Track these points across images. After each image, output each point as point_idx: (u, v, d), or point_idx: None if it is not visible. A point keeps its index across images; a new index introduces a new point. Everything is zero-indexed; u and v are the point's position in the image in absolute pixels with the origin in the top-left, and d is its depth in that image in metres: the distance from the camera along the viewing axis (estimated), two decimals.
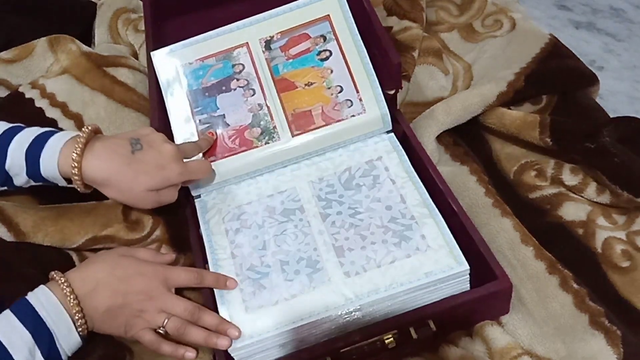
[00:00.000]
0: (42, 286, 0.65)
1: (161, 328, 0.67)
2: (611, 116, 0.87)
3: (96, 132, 0.73)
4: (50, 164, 0.70)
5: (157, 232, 0.79)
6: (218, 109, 0.83)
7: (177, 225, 0.80)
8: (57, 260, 0.76)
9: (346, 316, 0.67)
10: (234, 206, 0.79)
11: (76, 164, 0.69)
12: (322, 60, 0.84)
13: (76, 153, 0.69)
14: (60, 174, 0.71)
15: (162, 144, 0.73)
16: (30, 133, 0.72)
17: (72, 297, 0.64)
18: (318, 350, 0.67)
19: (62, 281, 0.65)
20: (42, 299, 0.63)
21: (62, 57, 0.95)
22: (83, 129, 0.71)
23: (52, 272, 0.67)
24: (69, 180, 0.72)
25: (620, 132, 0.80)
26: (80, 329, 0.65)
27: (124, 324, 0.67)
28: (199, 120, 0.83)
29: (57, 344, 0.63)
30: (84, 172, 0.70)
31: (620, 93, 1.46)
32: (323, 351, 0.66)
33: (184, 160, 0.75)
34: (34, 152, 0.71)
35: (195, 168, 0.76)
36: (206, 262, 0.75)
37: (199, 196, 0.82)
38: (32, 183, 0.74)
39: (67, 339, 0.64)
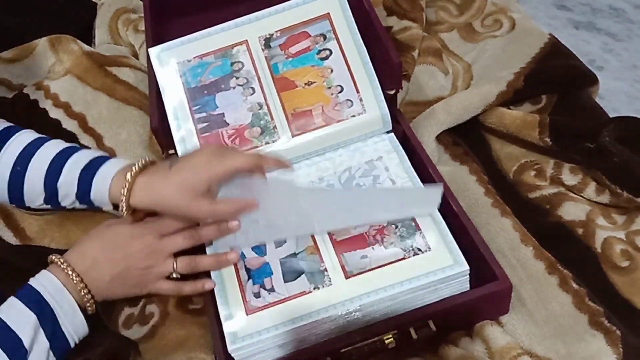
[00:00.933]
0: (43, 271, 0.67)
1: (173, 274, 0.70)
2: (611, 116, 0.87)
3: (152, 163, 0.73)
4: (102, 188, 0.72)
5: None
6: (217, 107, 0.83)
7: None
8: None
9: (346, 316, 0.67)
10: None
11: (124, 190, 0.69)
12: (322, 59, 0.84)
13: (128, 179, 0.69)
14: (110, 199, 0.72)
15: (204, 148, 0.76)
16: (86, 155, 0.74)
17: (74, 274, 0.66)
18: (318, 350, 0.67)
19: (61, 262, 0.67)
20: (44, 282, 0.65)
21: (64, 57, 0.95)
22: (140, 161, 0.71)
23: (50, 256, 0.68)
24: (115, 206, 0.73)
25: (620, 132, 0.80)
26: (88, 304, 0.67)
27: (136, 284, 0.70)
28: (198, 119, 0.83)
29: (61, 325, 0.64)
30: (131, 198, 0.69)
31: (620, 93, 1.46)
32: (323, 351, 0.66)
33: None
34: (87, 174, 0.72)
35: (234, 159, 0.71)
36: None
37: None
38: (77, 205, 0.75)
39: (71, 318, 0.65)
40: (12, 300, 0.63)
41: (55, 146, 0.75)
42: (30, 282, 0.65)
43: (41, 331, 0.62)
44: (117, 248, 0.69)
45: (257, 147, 0.81)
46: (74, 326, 0.66)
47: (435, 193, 0.72)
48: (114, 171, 0.72)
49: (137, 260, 0.69)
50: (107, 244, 0.69)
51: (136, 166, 0.70)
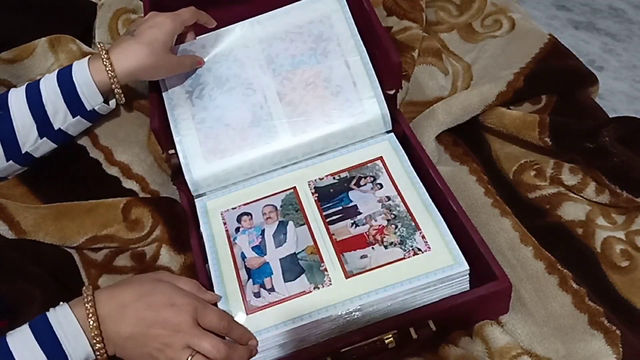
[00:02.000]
0: (64, 305, 0.62)
1: None
2: (611, 116, 0.87)
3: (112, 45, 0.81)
4: (85, 80, 0.76)
5: (157, 232, 0.79)
6: (218, 108, 0.83)
7: (177, 225, 0.80)
8: (59, 259, 0.76)
9: (346, 316, 0.67)
10: (234, 206, 0.79)
11: (108, 63, 0.76)
12: (322, 59, 0.84)
13: (104, 56, 0.77)
14: (96, 82, 0.77)
15: (153, 15, 0.82)
16: (53, 72, 0.79)
17: (93, 318, 0.61)
18: (318, 350, 0.67)
19: (89, 299, 0.62)
20: (61, 318, 0.61)
21: (62, 57, 0.95)
22: (99, 47, 0.79)
23: (84, 287, 0.64)
24: (104, 95, 0.79)
25: (620, 132, 0.80)
26: (98, 352, 0.62)
27: (146, 355, 0.62)
28: (199, 119, 0.83)
29: None
30: (117, 70, 0.77)
31: (619, 93, 1.46)
32: (323, 351, 0.67)
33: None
34: (64, 76, 0.77)
35: (183, 13, 0.83)
36: (206, 262, 0.75)
37: (199, 196, 0.82)
38: (70, 120, 0.78)
39: (83, 357, 0.61)
40: (25, 332, 0.60)
41: (22, 86, 0.79)
42: (48, 316, 0.61)
43: None
44: (149, 308, 0.62)
45: (257, 147, 0.81)
46: None
47: None
48: (85, 61, 0.78)
49: (159, 332, 0.62)
50: (142, 298, 0.63)
51: (103, 45, 0.79)
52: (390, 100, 0.83)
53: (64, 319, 0.61)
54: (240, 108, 0.83)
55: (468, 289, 0.69)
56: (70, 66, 0.78)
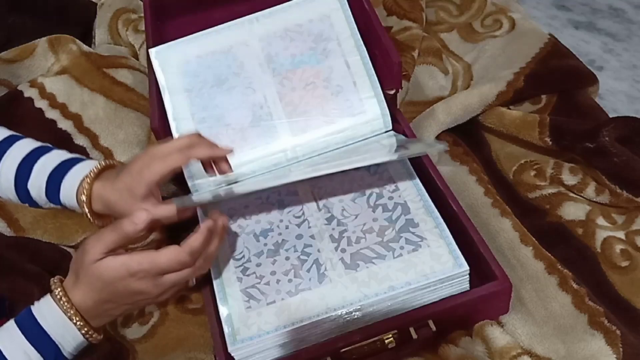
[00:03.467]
0: (46, 297, 0.63)
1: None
2: (611, 116, 0.87)
3: (111, 167, 0.73)
4: (70, 192, 0.71)
5: (155, 233, 0.79)
6: (217, 107, 0.83)
7: (177, 226, 0.80)
8: (56, 257, 0.76)
9: (346, 316, 0.67)
10: (235, 206, 0.79)
11: (84, 196, 0.69)
12: (323, 59, 0.84)
13: (85, 187, 0.69)
14: (78, 204, 0.71)
15: (136, 157, 0.71)
16: (57, 157, 0.73)
17: (73, 311, 0.62)
18: (318, 350, 0.67)
19: (58, 291, 0.62)
20: (44, 311, 0.62)
21: (62, 57, 0.95)
22: (96, 165, 0.72)
23: (52, 279, 0.64)
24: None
25: (620, 132, 0.80)
26: (87, 336, 0.63)
27: (130, 303, 0.64)
28: (198, 119, 0.83)
29: (63, 353, 0.62)
30: (93, 205, 0.70)
31: (619, 93, 1.46)
32: (323, 351, 0.67)
33: None
34: (56, 177, 0.71)
35: (172, 156, 0.70)
36: None
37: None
38: (52, 205, 0.74)
39: (74, 345, 0.62)
40: (12, 329, 0.60)
41: (27, 145, 0.74)
42: (32, 310, 0.62)
43: None
44: (120, 305, 0.64)
45: (257, 147, 0.81)
46: (78, 350, 0.63)
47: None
48: (81, 176, 0.71)
49: (144, 301, 0.64)
50: (109, 301, 0.63)
51: (92, 172, 0.70)
52: (390, 100, 0.83)
53: (47, 312, 0.61)
54: (240, 108, 0.83)
55: (468, 289, 0.69)
56: (67, 169, 0.72)
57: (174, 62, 0.85)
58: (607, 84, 1.46)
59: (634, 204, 0.79)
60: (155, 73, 0.85)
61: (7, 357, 0.59)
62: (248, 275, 0.72)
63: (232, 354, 0.67)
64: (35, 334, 0.60)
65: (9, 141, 0.74)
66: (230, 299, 0.70)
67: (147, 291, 0.63)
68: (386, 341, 0.67)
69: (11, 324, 0.61)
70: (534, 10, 1.66)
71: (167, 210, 0.69)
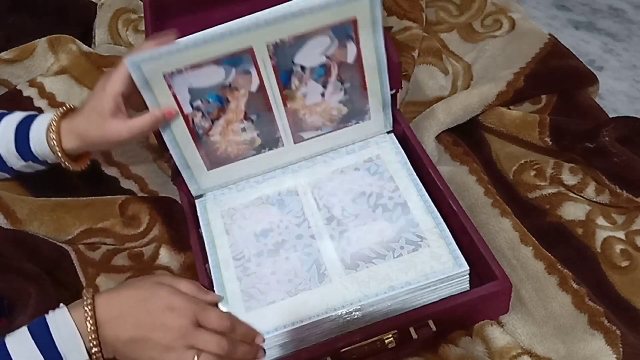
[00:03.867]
0: (63, 307, 0.61)
1: None
2: (611, 116, 0.87)
3: (73, 110, 0.76)
4: (40, 136, 0.73)
5: (156, 232, 0.79)
6: (217, 120, 0.81)
7: (177, 224, 0.80)
8: (55, 256, 0.76)
9: (346, 316, 0.67)
10: (235, 207, 0.79)
11: (53, 133, 0.72)
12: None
13: (54, 124, 0.72)
14: (50, 148, 0.73)
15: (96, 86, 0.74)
16: (19, 114, 0.76)
17: (91, 322, 0.60)
18: (318, 350, 0.67)
19: (88, 302, 0.61)
20: (59, 322, 0.60)
21: (62, 56, 0.95)
22: (60, 108, 0.74)
23: (84, 290, 0.62)
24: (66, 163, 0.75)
25: (620, 132, 0.80)
26: (95, 357, 0.60)
27: (147, 359, 0.61)
28: (197, 133, 0.78)
29: None
30: (63, 144, 0.72)
31: (619, 93, 1.46)
32: (323, 351, 0.67)
33: None
34: (23, 127, 0.73)
35: (119, 65, 0.71)
36: (206, 262, 0.75)
37: (200, 197, 0.82)
38: (22, 163, 0.75)
39: None
40: (23, 334, 0.59)
41: None
42: (46, 318, 0.60)
43: None
44: (149, 313, 0.61)
45: (258, 153, 0.81)
46: None
47: None
48: (46, 122, 0.73)
49: (160, 336, 0.60)
50: (142, 303, 0.61)
51: (58, 112, 0.73)
52: (390, 100, 0.83)
53: (61, 322, 0.60)
54: (242, 114, 0.83)
55: (468, 289, 0.69)
56: (33, 118, 0.75)
57: (160, 72, 0.72)
58: (607, 84, 1.46)
59: (634, 204, 0.79)
60: (138, 87, 0.82)
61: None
62: (248, 276, 0.72)
63: None
64: (45, 343, 0.59)
65: None
66: (230, 299, 0.70)
67: (173, 324, 0.60)
68: (386, 341, 0.67)
69: (24, 329, 0.60)
70: (534, 10, 1.66)
71: (144, 119, 0.72)
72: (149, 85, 0.70)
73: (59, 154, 0.73)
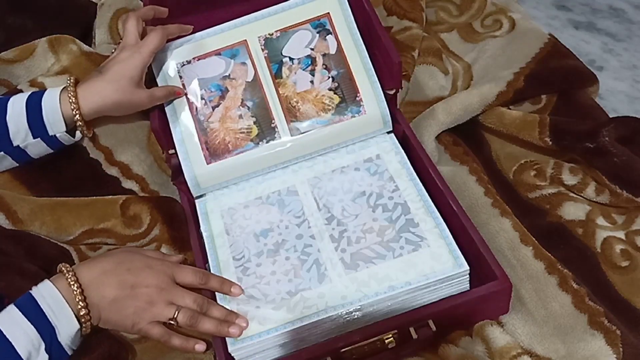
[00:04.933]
0: (46, 280, 0.65)
1: (172, 320, 0.66)
2: (611, 116, 0.87)
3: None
4: (53, 108, 0.75)
5: (157, 232, 0.79)
6: (217, 107, 0.83)
7: (177, 225, 0.80)
8: (54, 254, 0.76)
9: (346, 316, 0.67)
10: (235, 207, 0.80)
11: (73, 100, 0.75)
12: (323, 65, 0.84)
13: (71, 91, 0.76)
14: (63, 113, 0.76)
15: (116, 53, 0.80)
16: (25, 93, 0.78)
17: (76, 285, 0.64)
18: (318, 349, 0.67)
19: (68, 270, 0.65)
20: (44, 292, 0.63)
21: (62, 57, 0.95)
22: (68, 81, 0.78)
23: (60, 265, 0.67)
24: (69, 125, 0.78)
25: (620, 132, 0.80)
26: (83, 320, 0.64)
27: (131, 315, 0.66)
28: (199, 120, 0.83)
29: (58, 337, 0.63)
30: (82, 106, 0.76)
31: (620, 93, 1.46)
32: (323, 351, 0.66)
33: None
34: (34, 101, 0.76)
35: (148, 39, 0.79)
36: (206, 262, 0.75)
37: (200, 197, 0.82)
38: (30, 141, 0.76)
39: (69, 332, 0.63)
40: (12, 310, 0.62)
41: None
42: (31, 292, 0.63)
43: (42, 345, 0.61)
44: (129, 271, 0.67)
45: (257, 147, 0.81)
46: (72, 339, 0.64)
47: None
48: (58, 90, 0.77)
49: (143, 292, 0.66)
50: (121, 265, 0.67)
51: (70, 79, 0.77)
52: (390, 100, 0.83)
53: (47, 293, 0.63)
54: (239, 109, 0.83)
55: (468, 289, 0.69)
56: (43, 91, 0.77)
57: (172, 63, 0.84)
58: (607, 84, 1.46)
59: (634, 204, 0.79)
60: (154, 73, 0.84)
61: (7, 336, 0.60)
62: (248, 275, 0.72)
63: (232, 354, 0.67)
64: (34, 314, 0.62)
65: None
66: (231, 299, 0.70)
67: (153, 280, 0.66)
68: (386, 341, 0.67)
69: (11, 306, 0.62)
70: (534, 10, 1.66)
71: (163, 91, 0.81)
72: (163, 74, 0.84)
73: (77, 117, 0.76)
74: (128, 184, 0.86)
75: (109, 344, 0.68)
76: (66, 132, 0.78)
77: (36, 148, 0.78)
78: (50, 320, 0.62)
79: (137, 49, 0.78)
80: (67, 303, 0.63)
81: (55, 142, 0.78)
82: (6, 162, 0.79)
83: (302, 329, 0.67)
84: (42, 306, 0.62)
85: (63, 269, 0.66)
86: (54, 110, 0.76)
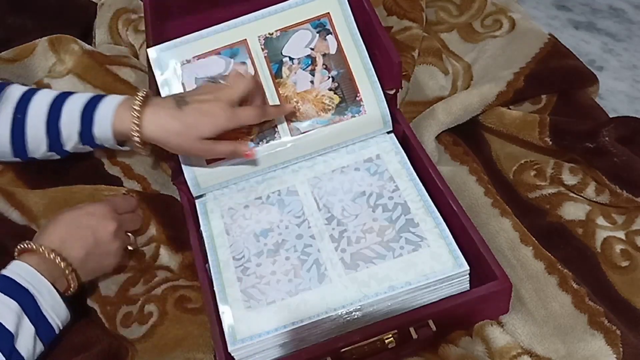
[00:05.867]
0: (14, 261, 0.66)
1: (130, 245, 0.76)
2: (611, 116, 0.87)
3: (148, 96, 0.76)
4: (105, 122, 0.75)
5: (153, 231, 0.79)
6: None
7: (175, 224, 0.80)
8: None
9: (346, 316, 0.67)
10: (235, 206, 0.80)
11: (136, 121, 0.73)
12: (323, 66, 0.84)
13: (135, 109, 0.73)
14: (114, 132, 0.75)
15: (213, 92, 0.75)
16: (84, 95, 0.77)
17: (48, 251, 0.67)
18: (318, 349, 0.67)
19: (32, 246, 0.67)
20: (17, 271, 0.65)
21: (65, 57, 0.96)
22: (138, 93, 0.75)
23: (19, 244, 0.68)
24: (119, 142, 0.78)
25: (620, 132, 0.80)
26: (71, 277, 0.68)
27: (107, 255, 0.72)
28: None
29: (42, 310, 0.64)
30: (142, 132, 0.73)
31: (619, 93, 1.46)
32: (323, 351, 0.67)
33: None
34: (89, 110, 0.75)
35: (243, 114, 0.75)
36: (206, 262, 0.75)
37: (200, 197, 0.82)
38: (80, 146, 0.78)
39: (51, 302, 0.65)
40: None
41: (50, 92, 0.78)
42: (3, 273, 0.65)
43: (25, 317, 0.62)
44: (82, 226, 0.70)
45: (257, 147, 0.81)
46: (56, 310, 0.66)
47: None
48: (114, 104, 0.75)
49: (104, 233, 0.71)
50: (71, 224, 0.70)
51: (139, 98, 0.73)
52: (390, 100, 0.83)
53: (20, 271, 0.65)
54: None
55: (468, 289, 0.69)
56: (99, 100, 0.76)
57: (172, 62, 0.84)
58: (607, 84, 1.46)
59: (634, 204, 0.79)
60: (155, 74, 0.84)
61: None
62: (248, 275, 0.72)
63: (232, 354, 0.67)
64: (14, 289, 0.63)
65: (28, 95, 0.77)
66: (230, 299, 0.70)
67: (107, 228, 0.71)
68: (386, 341, 0.67)
69: None
70: (534, 10, 1.66)
71: (226, 147, 0.77)
72: (163, 72, 0.83)
73: (137, 139, 0.74)
74: (130, 183, 0.86)
75: (108, 342, 0.68)
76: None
77: (79, 150, 0.80)
78: (32, 293, 0.64)
79: (230, 112, 0.74)
80: (41, 275, 0.65)
81: (102, 146, 0.80)
82: (51, 158, 0.80)
83: (302, 329, 0.67)
84: (20, 282, 0.64)
85: (26, 246, 0.67)
86: (105, 130, 0.75)
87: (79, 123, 0.75)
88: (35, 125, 0.76)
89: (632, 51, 1.56)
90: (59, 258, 0.67)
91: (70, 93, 0.78)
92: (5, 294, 0.62)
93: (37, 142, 0.77)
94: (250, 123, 0.77)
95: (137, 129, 0.73)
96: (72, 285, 0.69)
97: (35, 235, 0.70)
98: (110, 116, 0.74)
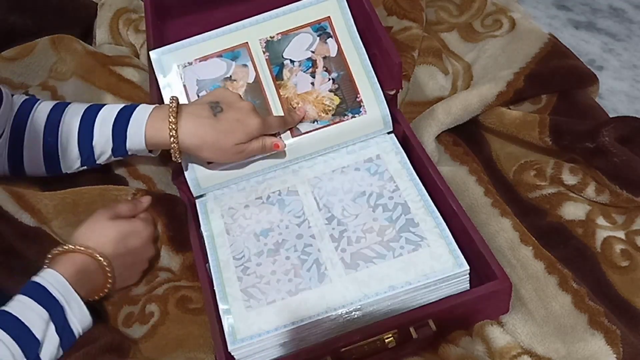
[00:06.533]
0: (46, 269, 0.67)
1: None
2: (611, 116, 0.87)
3: (179, 104, 0.77)
4: (137, 136, 0.76)
5: (159, 233, 0.79)
6: None
7: (177, 225, 0.80)
8: None
9: (346, 316, 0.67)
10: (235, 206, 0.80)
11: (174, 132, 0.74)
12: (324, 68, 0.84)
13: (171, 121, 0.74)
14: (147, 145, 0.77)
15: (238, 102, 0.78)
16: (112, 109, 0.79)
17: (97, 255, 0.69)
18: (318, 349, 0.67)
19: (65, 248, 0.69)
20: (49, 279, 0.66)
21: (67, 57, 0.96)
22: (170, 100, 0.76)
23: (54, 250, 0.69)
24: (152, 151, 0.80)
25: (620, 132, 0.80)
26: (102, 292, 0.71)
27: (134, 275, 0.76)
28: None
29: (69, 321, 0.65)
30: (180, 141, 0.75)
31: (620, 93, 1.46)
32: (323, 350, 0.67)
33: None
34: (120, 127, 0.77)
35: (272, 121, 0.79)
36: (207, 262, 0.75)
37: (200, 196, 0.82)
38: (112, 159, 0.81)
39: (78, 314, 0.66)
40: (20, 297, 0.64)
41: (76, 109, 0.79)
42: (35, 280, 0.66)
43: (52, 327, 0.64)
44: (119, 242, 0.72)
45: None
46: (81, 321, 0.67)
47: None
48: (145, 117, 0.76)
49: (136, 255, 0.74)
50: (117, 240, 0.72)
51: (172, 109, 0.75)
52: (390, 100, 0.83)
53: (53, 280, 0.66)
54: None
55: (468, 288, 0.69)
56: (129, 114, 0.77)
57: (174, 64, 0.84)
58: (607, 84, 1.46)
59: (634, 204, 0.79)
60: (157, 76, 0.84)
61: (22, 320, 0.62)
62: (248, 275, 0.72)
63: (232, 354, 0.67)
64: (44, 298, 0.64)
65: (59, 108, 0.79)
66: (231, 299, 0.70)
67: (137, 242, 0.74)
68: (386, 341, 0.67)
69: (19, 295, 0.64)
70: (534, 10, 1.66)
71: (257, 146, 0.79)
72: (165, 74, 0.84)
73: (176, 153, 0.76)
74: (135, 183, 0.86)
75: (112, 336, 0.68)
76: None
77: (110, 160, 0.81)
78: (60, 303, 0.65)
79: (261, 121, 0.77)
80: (71, 286, 0.66)
81: (133, 155, 0.81)
82: (83, 169, 0.82)
83: (302, 329, 0.67)
84: (51, 291, 0.65)
85: (65, 248, 0.69)
86: (139, 142, 0.77)
87: (112, 141, 0.77)
88: (67, 148, 0.78)
89: (632, 51, 1.56)
90: (105, 262, 0.70)
91: (96, 109, 0.79)
92: (37, 302, 0.64)
93: (70, 162, 0.79)
94: (276, 130, 0.80)
95: (175, 140, 0.74)
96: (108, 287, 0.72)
97: (75, 238, 0.71)
98: (142, 131, 0.76)
